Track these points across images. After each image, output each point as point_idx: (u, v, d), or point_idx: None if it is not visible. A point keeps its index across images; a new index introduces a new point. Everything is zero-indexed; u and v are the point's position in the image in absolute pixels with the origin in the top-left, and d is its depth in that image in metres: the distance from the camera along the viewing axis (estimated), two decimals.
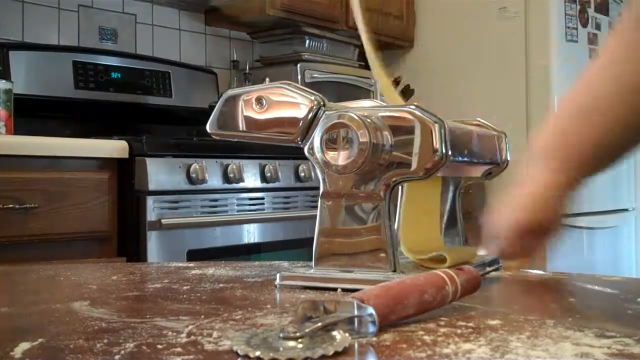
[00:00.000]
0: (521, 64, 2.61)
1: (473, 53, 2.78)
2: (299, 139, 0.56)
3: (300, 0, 2.57)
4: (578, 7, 2.75)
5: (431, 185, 0.63)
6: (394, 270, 0.54)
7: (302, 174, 2.05)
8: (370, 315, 0.38)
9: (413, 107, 0.53)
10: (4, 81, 1.82)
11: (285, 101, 0.57)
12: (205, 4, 2.62)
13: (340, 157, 0.54)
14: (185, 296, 0.52)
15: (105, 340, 0.37)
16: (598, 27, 2.85)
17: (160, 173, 1.74)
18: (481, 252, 0.66)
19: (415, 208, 0.62)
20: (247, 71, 2.64)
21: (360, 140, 0.52)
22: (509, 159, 0.68)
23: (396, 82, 2.97)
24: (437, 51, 2.94)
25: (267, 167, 1.96)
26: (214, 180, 1.85)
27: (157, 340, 0.37)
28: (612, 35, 0.73)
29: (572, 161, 0.67)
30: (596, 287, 0.57)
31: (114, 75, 2.27)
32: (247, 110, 0.58)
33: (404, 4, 2.97)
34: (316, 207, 0.56)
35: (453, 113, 0.59)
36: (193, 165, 1.79)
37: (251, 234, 1.96)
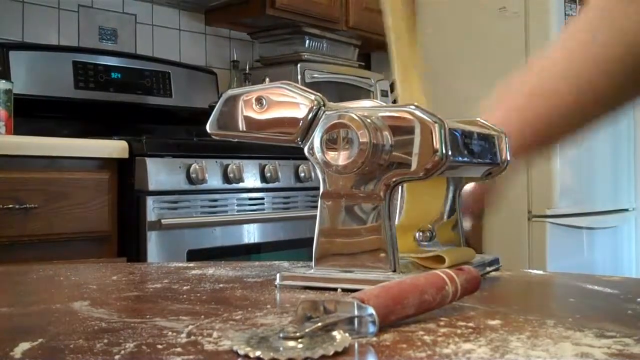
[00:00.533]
0: (522, 63, 2.61)
1: (473, 53, 2.78)
2: (299, 139, 0.56)
3: (300, 0, 2.57)
4: (578, 6, 2.75)
5: (434, 186, 0.63)
6: (394, 271, 0.54)
7: (302, 174, 2.05)
8: (371, 315, 0.38)
9: (413, 107, 0.53)
10: (4, 81, 1.82)
11: (285, 101, 0.57)
12: (205, 4, 2.63)
13: (340, 157, 0.54)
14: (185, 296, 0.52)
15: (105, 340, 0.37)
16: None
17: (160, 173, 1.74)
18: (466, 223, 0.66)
19: (416, 207, 0.62)
20: (247, 71, 2.64)
21: (361, 140, 0.52)
22: (509, 158, 0.68)
23: (395, 83, 2.96)
24: (436, 51, 2.94)
25: (267, 167, 1.96)
26: (214, 180, 1.85)
27: (157, 340, 0.37)
28: (585, 6, 0.74)
29: (524, 136, 0.68)
30: (596, 287, 0.57)
31: (114, 75, 2.28)
32: (247, 111, 0.58)
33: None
34: (316, 207, 0.56)
35: (453, 113, 0.59)
36: (193, 166, 1.79)
37: (251, 234, 1.96)
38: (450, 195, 0.67)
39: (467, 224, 0.68)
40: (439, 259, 0.57)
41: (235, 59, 2.70)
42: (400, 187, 0.62)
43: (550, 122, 0.71)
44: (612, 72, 0.70)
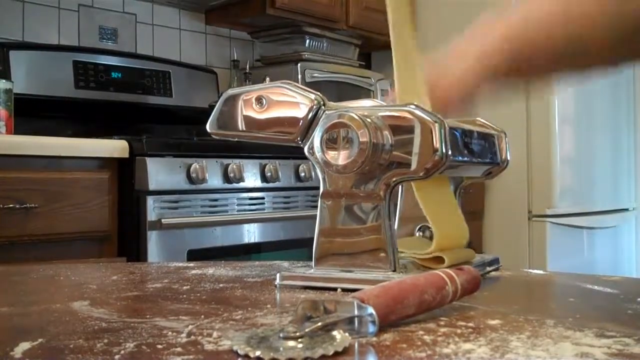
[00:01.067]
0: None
1: None
2: (299, 138, 0.56)
3: (300, 0, 2.57)
4: None
5: (440, 185, 0.63)
6: (394, 270, 0.54)
7: (302, 174, 2.05)
8: (371, 315, 0.38)
9: (413, 106, 0.53)
10: (4, 81, 1.82)
11: (285, 101, 0.57)
12: (206, 4, 2.62)
13: (340, 157, 0.54)
14: (185, 296, 0.52)
15: (106, 340, 0.37)
16: None
17: (161, 173, 1.74)
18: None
19: (441, 210, 0.61)
20: (247, 71, 2.64)
21: (361, 140, 0.52)
22: (509, 158, 0.68)
23: None
24: (437, 50, 2.93)
25: (267, 166, 1.96)
26: (214, 180, 1.85)
27: (157, 340, 0.37)
28: None
29: (523, 58, 0.65)
30: (596, 287, 0.57)
31: (114, 74, 2.27)
32: (247, 110, 0.58)
33: None
34: (316, 206, 0.56)
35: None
36: (193, 165, 1.79)
37: (251, 233, 1.96)
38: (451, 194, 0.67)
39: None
40: (439, 260, 0.57)
41: (235, 58, 2.70)
42: (400, 187, 0.62)
43: (545, 50, 0.66)
44: (598, 19, 0.65)
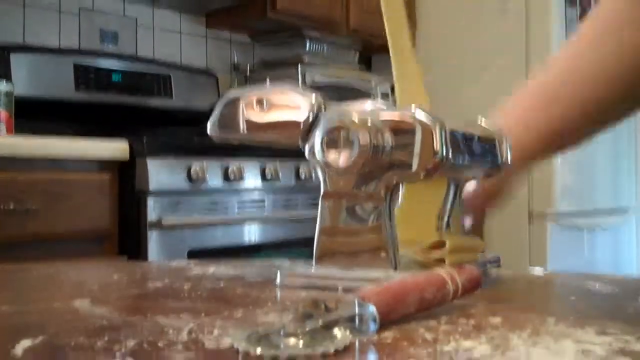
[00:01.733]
0: (522, 65, 2.61)
1: (474, 55, 2.78)
2: (299, 140, 0.56)
3: (301, 3, 2.57)
4: (579, 8, 2.76)
5: (435, 187, 0.63)
6: (395, 269, 0.54)
7: (303, 174, 2.05)
8: (371, 313, 0.38)
9: (413, 108, 0.53)
10: (5, 83, 1.82)
11: (286, 102, 0.57)
12: (206, 7, 2.63)
13: (341, 159, 0.54)
14: (186, 294, 0.52)
15: (106, 338, 0.37)
16: None
17: (161, 174, 1.74)
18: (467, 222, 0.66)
19: (413, 206, 0.61)
20: (247, 74, 2.64)
21: (361, 141, 0.52)
22: (509, 161, 0.68)
23: None
24: (437, 54, 2.94)
25: (267, 167, 1.96)
26: (215, 180, 1.85)
27: (158, 338, 0.37)
28: (588, 17, 0.74)
29: (527, 148, 0.69)
30: (597, 286, 0.57)
31: (115, 77, 2.28)
32: (248, 112, 0.58)
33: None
34: (316, 207, 0.56)
35: (454, 115, 0.59)
36: (194, 166, 1.79)
37: (252, 234, 1.96)
38: (451, 196, 0.67)
39: (468, 222, 0.68)
40: (439, 244, 0.57)
41: (236, 61, 2.70)
42: (401, 187, 0.62)
43: (554, 130, 0.71)
44: (615, 84, 0.70)
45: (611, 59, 0.70)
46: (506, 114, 0.72)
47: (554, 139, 0.72)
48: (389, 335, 0.38)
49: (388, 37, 0.64)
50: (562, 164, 2.67)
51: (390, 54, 0.63)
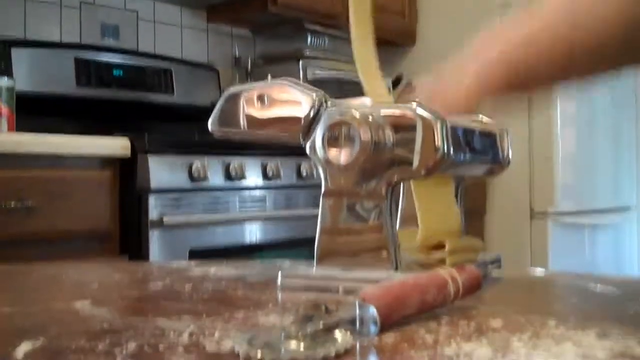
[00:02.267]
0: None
1: None
2: (300, 136, 0.56)
3: None
4: None
5: (443, 184, 0.63)
6: (396, 270, 0.54)
7: (304, 172, 2.05)
8: (372, 315, 0.38)
9: (415, 104, 0.53)
10: (6, 78, 1.82)
11: (287, 99, 0.57)
12: (207, 1, 2.62)
13: (342, 155, 0.54)
14: (187, 296, 0.52)
15: (107, 341, 0.37)
16: None
17: (162, 171, 1.74)
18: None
19: (433, 204, 0.61)
20: (249, 68, 2.63)
21: (362, 138, 0.52)
22: (511, 156, 0.68)
23: (397, 80, 2.96)
24: (439, 49, 2.93)
25: (268, 165, 1.96)
26: (216, 178, 1.85)
27: (158, 341, 0.37)
28: None
29: (509, 76, 0.66)
30: (598, 287, 0.57)
31: (116, 72, 2.27)
32: (249, 108, 0.58)
33: (406, 0, 2.96)
34: (318, 205, 0.56)
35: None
36: (195, 163, 1.79)
37: (253, 232, 1.96)
38: (452, 193, 0.67)
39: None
40: (440, 244, 0.57)
41: (237, 56, 2.70)
42: (402, 185, 0.62)
43: (538, 63, 0.67)
44: (613, 22, 0.66)
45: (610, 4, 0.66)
46: (484, 51, 0.68)
47: (534, 74, 0.67)
48: (389, 337, 0.38)
49: (353, 43, 0.65)
50: (563, 162, 2.66)
51: (356, 62, 0.64)
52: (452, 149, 0.52)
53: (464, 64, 0.67)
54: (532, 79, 0.66)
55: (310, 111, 0.55)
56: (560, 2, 0.67)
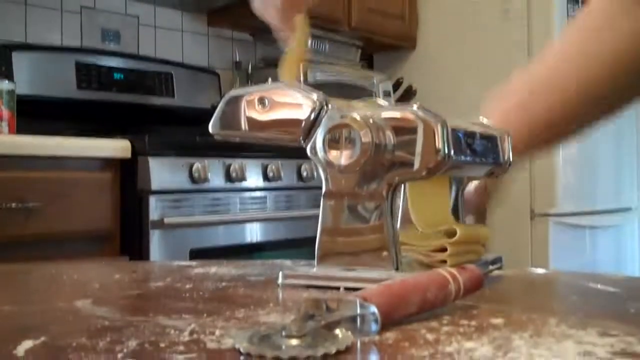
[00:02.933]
0: (524, 65, 2.60)
1: (476, 54, 2.78)
2: (301, 138, 0.56)
3: None
4: (580, 8, 2.75)
5: (439, 185, 0.63)
6: (397, 269, 0.54)
7: (305, 174, 2.05)
8: (373, 313, 0.38)
9: (415, 107, 0.53)
10: (7, 82, 1.82)
11: (288, 101, 0.57)
12: (208, 5, 2.63)
13: (342, 157, 0.54)
14: (187, 294, 0.52)
15: (108, 339, 0.37)
16: None
17: (163, 172, 1.74)
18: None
19: (424, 198, 0.61)
20: (249, 72, 2.64)
21: (363, 140, 0.52)
22: (511, 158, 0.68)
23: (398, 83, 2.96)
24: (439, 52, 2.94)
25: (269, 166, 1.96)
26: (217, 179, 1.85)
27: (159, 339, 0.37)
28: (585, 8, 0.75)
29: (523, 135, 0.68)
30: (599, 286, 0.57)
31: (117, 76, 2.28)
32: (250, 111, 0.58)
33: (407, 4, 2.97)
34: (318, 206, 0.56)
35: (456, 113, 0.59)
36: (195, 165, 1.79)
37: (253, 233, 1.96)
38: (453, 194, 0.67)
39: (469, 222, 0.68)
40: (451, 231, 0.57)
41: (237, 59, 2.70)
42: (403, 186, 0.62)
43: (550, 120, 0.71)
44: (615, 72, 0.70)
45: (608, 47, 0.70)
46: (503, 103, 0.72)
47: (554, 126, 0.72)
48: (390, 336, 0.38)
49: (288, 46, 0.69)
50: (564, 163, 2.66)
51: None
52: (452, 151, 0.52)
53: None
54: (562, 122, 0.69)
55: (311, 113, 0.55)
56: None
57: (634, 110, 3.17)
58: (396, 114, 0.54)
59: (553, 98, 0.71)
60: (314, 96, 0.56)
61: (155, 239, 1.73)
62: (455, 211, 0.67)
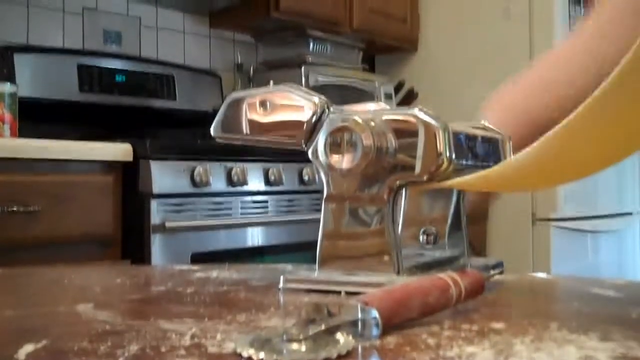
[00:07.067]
0: (526, 68, 2.60)
1: (477, 56, 2.78)
2: (302, 142, 0.56)
3: (305, 3, 2.57)
4: (582, 9, 2.75)
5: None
6: (398, 274, 0.54)
7: (306, 177, 2.05)
8: (374, 318, 0.38)
9: (417, 110, 0.53)
10: (8, 84, 1.82)
11: (289, 104, 0.57)
12: (210, 7, 2.63)
13: (344, 161, 0.54)
14: (189, 299, 0.52)
15: (109, 343, 0.37)
16: None
17: (165, 176, 1.74)
18: None
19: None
20: (251, 74, 2.64)
21: (364, 143, 0.52)
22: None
23: (399, 86, 2.97)
24: (441, 54, 2.94)
25: (270, 170, 1.96)
26: (218, 183, 1.85)
27: (160, 343, 0.37)
28: (591, 13, 0.75)
29: (525, 138, 0.68)
30: (600, 291, 0.57)
31: (119, 78, 2.28)
32: (251, 114, 0.58)
33: (409, 6, 2.97)
34: (320, 210, 0.56)
35: (457, 116, 0.59)
36: (197, 168, 1.79)
37: (255, 237, 1.96)
38: (454, 198, 0.67)
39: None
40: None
41: (239, 62, 2.70)
42: (404, 190, 0.62)
43: (551, 121, 0.70)
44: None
45: (613, 47, 0.69)
46: (501, 104, 0.72)
47: (548, 128, 0.71)
48: (391, 340, 0.38)
49: None
50: None
51: None
52: (454, 155, 0.52)
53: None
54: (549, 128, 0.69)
55: (312, 117, 0.55)
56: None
57: None
58: (397, 117, 0.54)
59: (555, 98, 0.70)
60: (316, 99, 0.56)
61: (157, 242, 1.73)
62: (457, 213, 0.67)
